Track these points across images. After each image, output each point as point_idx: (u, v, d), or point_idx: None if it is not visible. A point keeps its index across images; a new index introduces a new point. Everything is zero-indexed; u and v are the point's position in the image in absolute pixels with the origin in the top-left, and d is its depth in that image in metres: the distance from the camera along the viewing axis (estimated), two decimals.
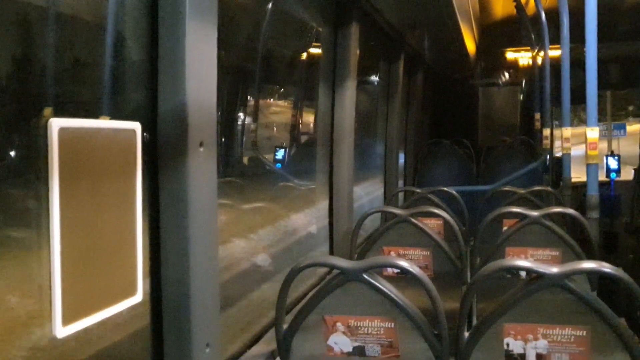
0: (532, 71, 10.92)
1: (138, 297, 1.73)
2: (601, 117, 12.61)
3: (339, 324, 2.50)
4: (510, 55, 12.47)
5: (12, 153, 1.87)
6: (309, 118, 7.36)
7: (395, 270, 3.58)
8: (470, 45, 9.19)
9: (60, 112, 1.93)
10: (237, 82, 5.74)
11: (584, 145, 5.43)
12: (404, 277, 2.59)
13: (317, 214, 4.98)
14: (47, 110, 1.89)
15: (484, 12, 10.48)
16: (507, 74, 13.06)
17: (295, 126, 7.36)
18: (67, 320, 1.47)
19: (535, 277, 2.33)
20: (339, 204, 4.75)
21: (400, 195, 7.04)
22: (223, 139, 5.24)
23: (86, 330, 1.56)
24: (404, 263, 2.49)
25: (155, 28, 1.93)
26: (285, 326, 2.57)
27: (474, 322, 3.27)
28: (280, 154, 6.68)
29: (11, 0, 1.84)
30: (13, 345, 1.78)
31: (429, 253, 3.93)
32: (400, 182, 8.40)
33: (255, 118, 6.10)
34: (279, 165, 6.41)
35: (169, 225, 1.96)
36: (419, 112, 9.89)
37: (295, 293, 3.77)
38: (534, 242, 3.78)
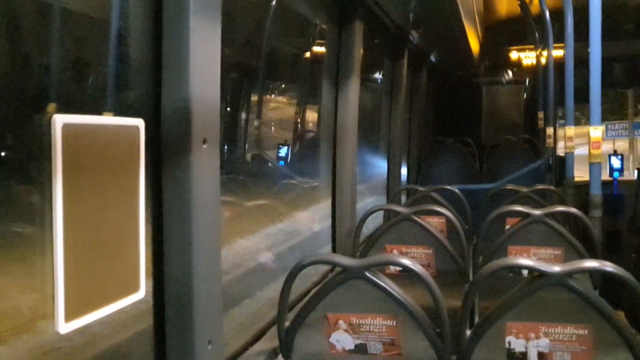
0: (536, 70, 10.90)
1: (141, 293, 1.73)
2: (619, 116, 12.54)
3: (341, 321, 2.50)
4: (514, 53, 12.45)
5: (16, 149, 1.88)
6: (312, 116, 7.36)
7: (398, 268, 3.58)
8: (474, 44, 9.18)
9: (64, 109, 1.94)
10: (241, 78, 5.75)
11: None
12: (406, 275, 2.59)
13: (322, 213, 4.98)
14: (51, 107, 1.90)
15: (488, 11, 10.48)
16: (510, 73, 13.05)
17: (298, 124, 7.37)
18: (69, 316, 1.47)
19: (537, 275, 2.33)
20: (341, 201, 4.75)
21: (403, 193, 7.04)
22: (226, 136, 5.25)
23: (88, 327, 1.56)
24: (406, 261, 2.49)
25: (160, 24, 1.93)
26: (287, 323, 2.57)
27: (476, 320, 3.27)
28: (283, 151, 6.68)
29: None
30: (16, 342, 1.78)
31: (431, 251, 3.93)
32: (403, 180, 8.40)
33: (259, 115, 6.10)
34: (282, 162, 6.41)
35: (172, 222, 1.96)
36: (423, 110, 9.88)
37: (298, 290, 3.77)
38: (536, 241, 3.78)
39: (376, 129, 7.58)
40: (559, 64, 7.99)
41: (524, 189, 5.29)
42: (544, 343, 2.34)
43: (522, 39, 11.57)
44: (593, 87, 5.23)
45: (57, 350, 1.82)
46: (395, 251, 3.92)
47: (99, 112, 1.98)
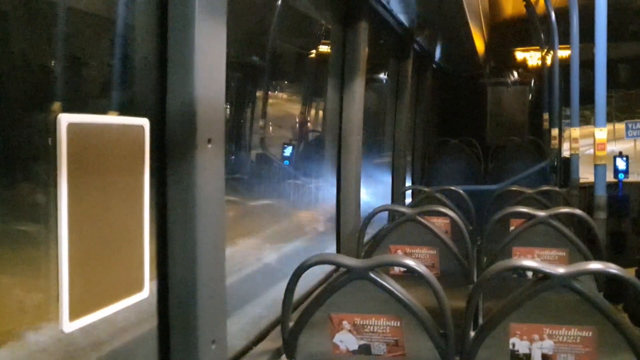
0: (541, 71, 10.89)
1: (145, 293, 1.73)
2: (629, 115, 12.51)
3: (345, 322, 2.50)
4: (519, 54, 12.44)
5: (21, 148, 1.88)
6: (317, 115, 7.35)
7: (402, 269, 3.57)
8: (480, 44, 9.17)
9: (69, 108, 1.94)
10: (246, 78, 5.75)
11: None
12: (410, 276, 2.59)
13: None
14: (56, 106, 1.90)
15: (493, 11, 10.47)
16: (516, 74, 13.03)
17: (303, 123, 7.36)
18: (74, 315, 1.47)
19: (541, 277, 2.33)
20: (346, 201, 4.75)
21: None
22: (230, 136, 5.25)
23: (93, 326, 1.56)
24: (410, 262, 2.49)
25: (165, 25, 1.93)
26: (291, 324, 2.57)
27: (480, 321, 3.27)
28: (288, 151, 6.67)
29: None
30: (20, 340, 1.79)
31: (435, 252, 3.93)
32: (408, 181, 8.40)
33: (264, 114, 6.10)
34: (286, 162, 6.41)
35: (177, 221, 1.96)
36: (428, 111, 9.87)
37: (302, 291, 3.77)
38: (541, 242, 3.77)
39: (380, 134, 7.57)
40: (565, 65, 7.97)
41: (529, 190, 5.29)
42: (548, 345, 2.34)
43: (528, 40, 11.56)
44: (598, 88, 5.22)
45: (60, 349, 1.83)
46: (399, 252, 3.92)
47: (104, 112, 1.99)
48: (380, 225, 5.47)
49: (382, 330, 2.47)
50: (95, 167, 1.53)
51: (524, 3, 9.39)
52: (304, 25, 5.98)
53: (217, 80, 2.04)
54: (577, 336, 2.31)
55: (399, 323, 2.45)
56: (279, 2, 5.10)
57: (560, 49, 8.61)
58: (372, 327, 2.48)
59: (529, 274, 3.41)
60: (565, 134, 10.06)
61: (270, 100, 6.11)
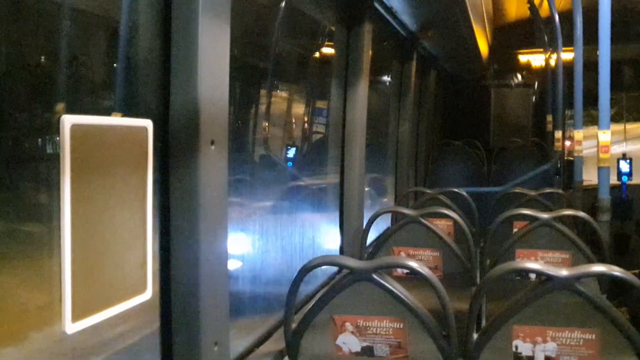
0: (545, 73, 10.88)
1: (147, 294, 1.73)
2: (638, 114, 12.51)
3: (347, 323, 2.50)
4: (523, 56, 12.43)
5: (25, 149, 1.89)
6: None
7: (405, 271, 3.57)
8: (483, 47, 9.16)
9: (72, 109, 1.95)
10: (249, 79, 5.75)
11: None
12: (413, 278, 2.58)
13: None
14: (60, 107, 1.90)
15: (497, 13, 10.46)
16: (519, 76, 13.03)
17: (306, 124, 7.36)
18: (76, 316, 1.47)
19: (545, 279, 2.32)
20: (349, 203, 4.75)
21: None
22: (233, 136, 5.24)
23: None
24: (413, 264, 2.49)
25: (168, 25, 1.93)
26: (294, 325, 2.57)
27: (483, 323, 3.26)
28: (291, 152, 6.68)
29: None
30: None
31: (438, 254, 3.93)
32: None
33: (267, 116, 6.10)
34: (290, 164, 6.41)
35: (179, 223, 1.96)
36: (431, 113, 9.87)
37: (305, 292, 3.77)
38: (544, 245, 3.76)
39: (383, 137, 7.56)
40: (568, 67, 7.97)
41: (532, 192, 5.28)
42: (551, 347, 2.34)
43: (531, 42, 11.55)
44: (602, 90, 5.22)
45: (63, 347, 1.83)
46: (402, 253, 3.92)
47: (107, 113, 1.99)
48: (383, 227, 5.47)
49: (385, 332, 2.47)
50: (99, 168, 1.54)
51: (528, 5, 9.38)
52: (308, 27, 5.98)
53: (220, 81, 2.04)
54: (580, 339, 2.31)
55: (401, 325, 2.45)
56: (283, 4, 5.10)
57: (563, 51, 8.61)
58: (375, 328, 2.48)
59: (532, 276, 3.41)
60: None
61: (273, 102, 6.11)
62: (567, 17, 7.65)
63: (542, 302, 2.33)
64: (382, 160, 7.43)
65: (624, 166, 8.40)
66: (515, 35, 11.82)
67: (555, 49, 8.95)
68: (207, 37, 1.93)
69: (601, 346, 2.29)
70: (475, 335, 2.46)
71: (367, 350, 2.50)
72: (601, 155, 5.33)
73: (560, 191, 6.38)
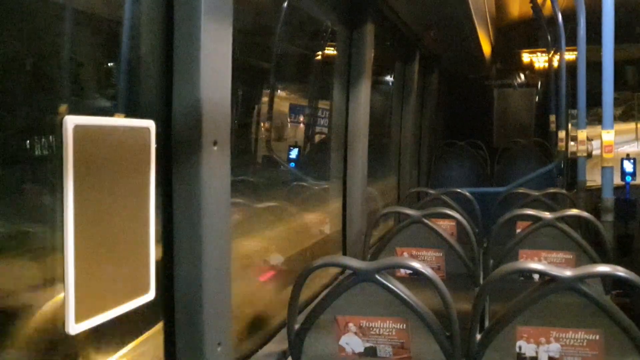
0: (548, 73, 10.86)
1: (150, 295, 1.73)
2: None
3: (351, 324, 2.50)
4: (526, 56, 12.41)
5: (28, 150, 1.89)
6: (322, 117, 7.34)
7: (408, 272, 3.57)
8: (486, 46, 9.15)
9: (75, 110, 1.95)
10: (252, 80, 5.75)
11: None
12: (416, 278, 2.58)
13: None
14: (62, 108, 1.90)
15: (500, 13, 10.44)
16: (522, 76, 13.01)
17: (309, 125, 7.35)
18: (80, 317, 1.47)
19: (548, 280, 2.32)
20: (352, 204, 4.75)
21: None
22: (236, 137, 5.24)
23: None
24: (416, 264, 2.48)
25: (171, 26, 1.93)
26: (297, 326, 2.57)
27: (486, 324, 3.26)
28: (294, 153, 6.67)
29: None
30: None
31: (441, 254, 3.92)
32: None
33: (270, 117, 6.10)
34: (292, 164, 6.41)
35: (182, 223, 1.96)
36: (434, 113, 9.86)
37: (308, 293, 3.77)
38: (547, 245, 3.76)
39: (386, 137, 7.55)
40: (571, 67, 7.95)
41: (535, 193, 5.27)
42: (554, 348, 2.33)
43: (534, 42, 11.54)
44: (605, 90, 5.21)
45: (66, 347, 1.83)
46: (405, 254, 3.91)
47: (110, 114, 1.99)
48: (386, 228, 5.47)
49: (388, 332, 2.47)
50: (102, 169, 1.54)
51: (531, 5, 9.36)
52: (310, 28, 5.98)
53: (223, 82, 2.04)
54: (584, 339, 2.30)
55: (405, 325, 2.45)
56: (285, 5, 5.10)
57: (567, 50, 8.59)
58: (378, 329, 2.48)
59: (536, 276, 3.40)
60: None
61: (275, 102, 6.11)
62: (570, 16, 7.63)
63: (545, 303, 2.33)
64: (385, 161, 7.43)
65: (628, 166, 8.39)
66: (518, 34, 11.81)
67: (558, 49, 8.93)
68: (209, 37, 1.92)
69: (605, 347, 2.29)
70: (478, 336, 2.46)
71: (370, 351, 2.50)
72: (604, 155, 5.32)
73: (563, 191, 6.37)
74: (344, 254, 4.74)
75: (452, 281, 3.69)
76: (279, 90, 5.75)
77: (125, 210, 1.63)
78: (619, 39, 5.22)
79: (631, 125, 11.76)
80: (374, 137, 5.67)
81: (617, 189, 5.69)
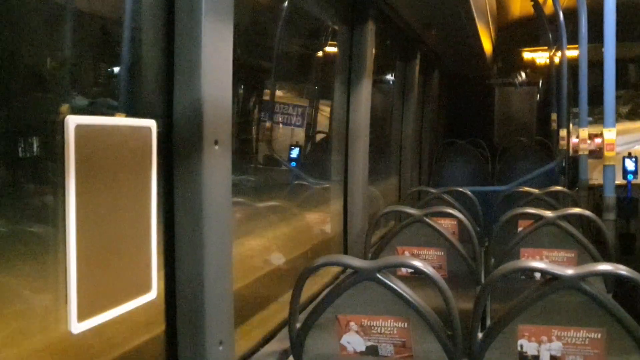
0: (550, 71, 10.85)
1: (152, 294, 1.74)
2: None
3: (352, 323, 2.50)
4: (527, 55, 12.40)
5: (30, 149, 1.89)
6: (323, 117, 7.34)
7: (409, 270, 3.56)
8: (487, 45, 9.14)
9: (76, 109, 1.95)
10: (252, 79, 5.75)
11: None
12: (417, 277, 2.58)
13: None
14: (64, 108, 1.91)
15: (501, 11, 10.42)
16: (524, 74, 12.99)
17: (309, 125, 7.35)
18: (82, 316, 1.48)
19: (550, 278, 2.32)
20: (353, 203, 4.75)
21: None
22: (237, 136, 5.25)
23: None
24: (417, 263, 2.48)
25: (172, 26, 1.93)
26: (298, 325, 2.57)
27: (488, 323, 3.26)
28: (295, 152, 6.67)
29: None
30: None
31: (443, 253, 3.92)
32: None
33: (271, 116, 6.10)
34: (293, 164, 6.41)
35: (184, 223, 1.97)
36: (435, 112, 9.86)
37: (309, 292, 3.77)
38: (549, 244, 3.75)
39: (387, 137, 7.54)
40: (573, 65, 7.94)
41: (537, 191, 5.26)
42: (556, 347, 2.33)
43: (536, 40, 11.51)
44: (607, 88, 5.20)
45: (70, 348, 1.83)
46: (406, 253, 3.91)
47: (111, 113, 1.99)
48: (387, 227, 5.47)
49: (389, 331, 2.47)
50: (103, 169, 1.54)
51: (532, 3, 9.35)
52: (312, 27, 5.98)
53: (224, 81, 2.04)
54: (586, 338, 2.30)
55: (406, 324, 2.45)
56: (286, 4, 5.10)
57: (568, 49, 8.58)
58: (379, 328, 2.48)
59: (537, 275, 3.39)
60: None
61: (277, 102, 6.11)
62: (571, 14, 7.62)
63: (547, 302, 2.33)
64: (386, 159, 7.43)
65: (630, 164, 8.38)
66: (519, 33, 11.78)
67: (559, 47, 8.92)
68: (210, 37, 1.93)
69: (607, 345, 2.28)
70: (480, 335, 2.46)
71: (372, 350, 2.50)
72: (606, 154, 5.32)
73: (565, 190, 6.36)
74: (345, 253, 4.74)
75: (453, 280, 3.69)
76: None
77: (126, 210, 1.63)
78: (620, 36, 5.21)
79: (637, 125, 11.71)
80: (375, 136, 5.67)
81: (618, 187, 5.69)
